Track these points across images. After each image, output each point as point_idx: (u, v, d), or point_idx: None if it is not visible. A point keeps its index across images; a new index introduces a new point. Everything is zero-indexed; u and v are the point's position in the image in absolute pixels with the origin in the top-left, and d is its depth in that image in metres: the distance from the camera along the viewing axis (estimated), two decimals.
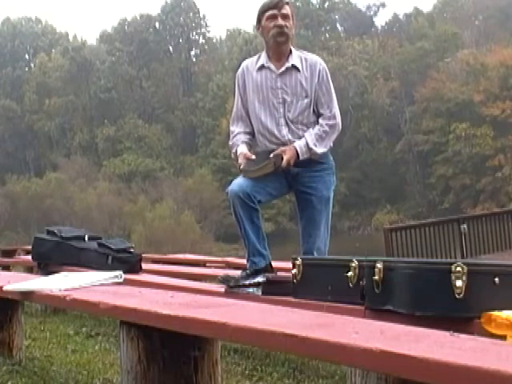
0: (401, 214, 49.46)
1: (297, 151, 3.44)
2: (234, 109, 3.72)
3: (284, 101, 3.52)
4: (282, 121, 3.53)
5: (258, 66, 3.58)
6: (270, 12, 3.51)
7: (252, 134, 3.65)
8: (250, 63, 3.65)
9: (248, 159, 3.48)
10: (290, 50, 3.56)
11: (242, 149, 3.54)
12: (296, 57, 3.55)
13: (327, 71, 3.59)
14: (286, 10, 3.51)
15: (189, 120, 60.66)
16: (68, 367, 3.52)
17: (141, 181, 53.20)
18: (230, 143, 3.69)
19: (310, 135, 3.49)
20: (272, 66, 3.55)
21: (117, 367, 3.20)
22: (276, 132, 3.53)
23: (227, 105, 51.70)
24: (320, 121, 3.54)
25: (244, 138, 3.63)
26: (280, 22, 3.47)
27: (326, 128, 3.52)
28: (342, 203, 46.17)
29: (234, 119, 3.70)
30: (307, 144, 3.47)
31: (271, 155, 3.43)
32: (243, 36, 61.92)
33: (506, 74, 48.65)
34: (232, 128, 3.71)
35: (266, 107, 3.55)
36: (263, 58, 3.59)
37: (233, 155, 3.67)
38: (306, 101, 3.52)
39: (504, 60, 49.01)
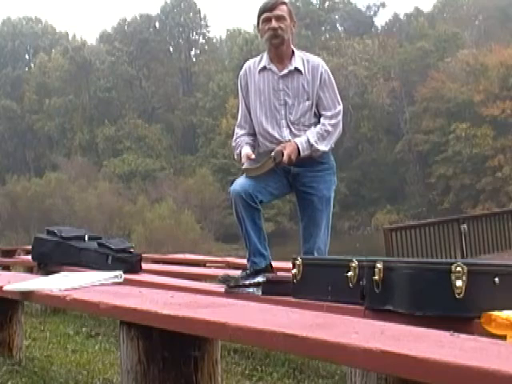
0: (401, 213, 49.46)
1: (298, 147, 3.44)
2: (240, 110, 3.72)
3: (285, 103, 3.53)
4: (284, 122, 3.54)
5: (260, 67, 3.58)
6: (265, 15, 3.50)
7: (256, 135, 3.66)
8: (252, 64, 3.64)
9: (250, 159, 3.48)
10: (293, 52, 3.56)
11: (246, 150, 3.55)
12: (299, 59, 3.54)
13: (329, 73, 3.59)
14: (281, 10, 3.48)
15: (189, 120, 60.64)
16: (68, 367, 3.52)
17: (141, 181, 53.21)
18: (234, 144, 3.69)
19: (312, 133, 3.50)
20: (274, 68, 3.55)
21: (117, 367, 3.20)
22: (277, 134, 3.54)
23: (227, 105, 51.72)
24: (322, 120, 3.54)
25: (248, 139, 3.63)
26: (273, 24, 3.46)
27: (328, 128, 3.52)
28: (342, 203, 46.14)
29: (239, 121, 3.71)
30: (308, 140, 3.47)
31: (272, 153, 3.44)
32: (243, 36, 61.84)
33: (506, 74, 48.62)
34: (237, 129, 3.72)
35: (268, 109, 3.55)
36: (265, 60, 3.58)
37: (236, 156, 3.68)
38: (307, 103, 3.52)
39: (504, 60, 48.99)
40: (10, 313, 3.62)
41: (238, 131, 3.69)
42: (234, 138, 3.70)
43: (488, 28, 59.38)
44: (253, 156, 3.50)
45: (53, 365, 3.58)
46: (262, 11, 3.52)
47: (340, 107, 3.59)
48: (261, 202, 3.44)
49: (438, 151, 50.13)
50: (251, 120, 3.64)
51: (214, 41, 71.07)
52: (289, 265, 3.16)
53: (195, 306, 2.41)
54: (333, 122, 3.54)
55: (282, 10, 3.49)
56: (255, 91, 3.59)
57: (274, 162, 3.40)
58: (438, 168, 49.92)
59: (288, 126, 3.53)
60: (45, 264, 5.47)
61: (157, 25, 65.79)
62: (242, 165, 3.51)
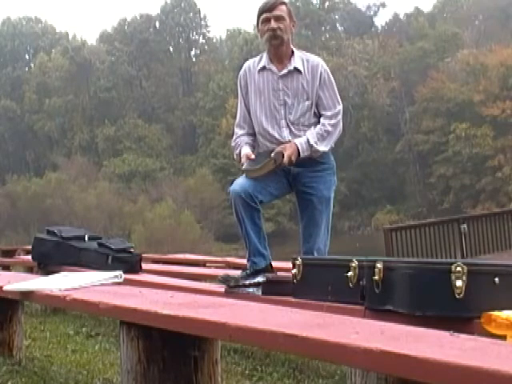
0: (401, 213, 49.47)
1: (298, 148, 3.44)
2: (238, 110, 3.72)
3: (285, 103, 3.52)
4: (283, 122, 3.53)
5: (259, 67, 3.58)
6: (264, 15, 3.49)
7: (255, 135, 3.66)
8: (251, 64, 3.64)
9: (249, 159, 3.48)
10: (292, 52, 3.55)
11: (245, 150, 3.55)
12: (298, 59, 3.53)
13: (329, 73, 3.58)
14: (280, 10, 3.47)
15: (189, 120, 60.66)
16: (68, 367, 3.52)
17: (141, 181, 53.22)
18: (233, 144, 3.69)
19: (312, 133, 3.49)
20: (273, 68, 3.54)
21: (117, 367, 3.20)
22: (276, 134, 3.53)
23: (227, 105, 51.72)
24: (322, 120, 3.54)
25: (247, 139, 3.63)
26: (273, 25, 3.45)
27: (328, 127, 3.51)
28: (342, 203, 46.17)
29: (238, 121, 3.71)
30: (308, 141, 3.46)
31: (272, 154, 3.43)
32: (243, 36, 61.89)
33: (506, 74, 48.65)
34: (236, 129, 3.72)
35: (267, 109, 3.54)
36: (265, 60, 3.57)
37: (235, 156, 3.68)
38: (307, 103, 3.51)
39: (504, 60, 49.01)
40: (10, 313, 3.62)
41: (238, 131, 3.69)
42: (234, 138, 3.70)
43: (488, 28, 59.38)
44: (252, 156, 3.50)
45: (53, 365, 3.57)
46: (261, 11, 3.52)
47: (340, 107, 3.59)
48: (261, 202, 3.44)
49: (438, 151, 50.15)
50: (250, 120, 3.64)
51: (214, 41, 71.08)
52: (289, 265, 3.16)
53: (195, 305, 2.41)
54: (333, 121, 3.53)
55: (282, 11, 3.48)
56: (255, 91, 3.58)
57: (275, 164, 3.39)
58: (438, 168, 49.95)
59: (288, 126, 3.53)
60: (45, 264, 5.46)
61: (157, 25, 65.79)
62: (242, 165, 3.51)
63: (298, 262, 2.98)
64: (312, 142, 3.46)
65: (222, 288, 3.49)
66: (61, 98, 60.80)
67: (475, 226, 10.93)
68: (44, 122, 60.91)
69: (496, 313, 2.14)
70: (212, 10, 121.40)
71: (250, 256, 3.45)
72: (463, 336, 1.72)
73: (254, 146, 3.64)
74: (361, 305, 2.58)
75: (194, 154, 58.90)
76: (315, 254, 3.47)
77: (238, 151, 3.62)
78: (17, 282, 3.38)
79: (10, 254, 10.66)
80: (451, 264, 2.29)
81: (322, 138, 3.50)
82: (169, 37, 65.74)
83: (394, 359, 1.51)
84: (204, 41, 68.73)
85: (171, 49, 66.31)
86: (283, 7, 3.50)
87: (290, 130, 3.52)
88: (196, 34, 67.56)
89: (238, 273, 3.56)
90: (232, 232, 33.91)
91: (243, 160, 3.50)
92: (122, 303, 2.51)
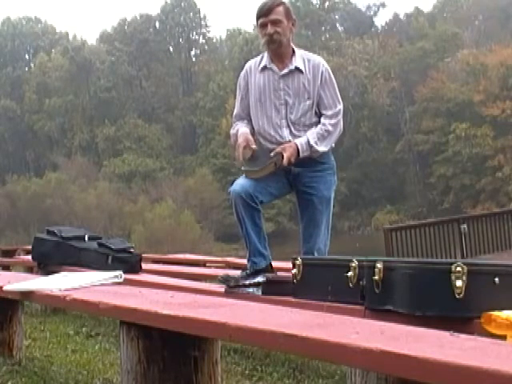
0: (401, 213, 49.47)
1: (297, 148, 3.43)
2: (235, 110, 3.71)
3: (286, 102, 3.52)
4: (284, 122, 3.52)
5: (260, 67, 3.57)
6: (261, 20, 3.49)
7: (253, 130, 3.64)
8: (253, 64, 3.63)
9: (249, 160, 3.46)
10: (293, 51, 3.55)
11: (243, 129, 3.51)
12: (299, 58, 3.53)
13: (330, 72, 3.57)
14: (276, 14, 3.45)
15: (189, 120, 60.66)
16: (68, 367, 3.52)
17: (141, 181, 53.22)
18: (232, 132, 3.65)
19: (312, 133, 3.49)
20: (274, 68, 3.54)
21: (117, 367, 3.20)
22: (276, 134, 3.52)
23: (227, 105, 51.70)
24: (322, 120, 3.53)
25: (246, 125, 3.60)
26: (269, 30, 3.44)
27: (329, 127, 3.51)
28: (342, 203, 46.14)
29: (237, 112, 3.69)
30: (308, 141, 3.45)
31: (272, 154, 3.43)
32: (243, 36, 61.89)
33: (506, 74, 48.64)
34: (234, 119, 3.70)
35: (268, 109, 3.54)
36: (266, 59, 3.57)
37: (232, 141, 3.61)
38: (308, 103, 3.51)
39: (504, 60, 49.00)
40: (10, 313, 3.62)
41: (236, 121, 3.65)
42: (233, 127, 3.66)
43: (488, 28, 59.39)
44: (253, 145, 3.45)
45: (53, 365, 3.57)
46: (258, 16, 3.51)
47: (340, 106, 3.58)
48: (261, 202, 3.43)
49: (438, 151, 50.14)
50: (249, 119, 3.63)
51: (214, 41, 71.05)
52: (289, 265, 3.16)
53: (195, 305, 2.41)
54: (333, 121, 3.53)
55: (278, 13, 3.46)
56: (256, 90, 3.57)
57: (275, 167, 3.39)
58: (438, 168, 49.94)
59: (288, 126, 3.52)
60: (45, 264, 5.46)
61: (157, 25, 65.77)
62: (238, 147, 3.45)
63: (298, 262, 2.98)
64: (312, 142, 3.46)
65: (222, 288, 3.49)
66: (61, 98, 60.78)
67: (475, 226, 10.94)
68: (44, 121, 60.89)
69: (496, 313, 2.15)
70: (212, 10, 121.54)
71: (250, 256, 3.45)
72: (463, 336, 1.72)
73: (252, 133, 3.60)
74: (361, 305, 2.59)
75: (194, 154, 58.89)
76: (315, 254, 3.47)
77: (235, 131, 3.58)
78: (17, 281, 3.37)
79: (9, 253, 10.66)
80: (451, 264, 2.29)
81: (322, 137, 3.49)
82: (169, 37, 65.73)
83: (394, 359, 1.51)
84: (204, 41, 68.72)
85: (171, 49, 66.29)
86: (280, 9, 3.47)
87: (290, 130, 3.52)
88: (196, 34, 67.55)
89: (237, 273, 3.56)
90: (232, 232, 33.91)
91: (240, 140, 3.45)
92: (122, 303, 2.51)
